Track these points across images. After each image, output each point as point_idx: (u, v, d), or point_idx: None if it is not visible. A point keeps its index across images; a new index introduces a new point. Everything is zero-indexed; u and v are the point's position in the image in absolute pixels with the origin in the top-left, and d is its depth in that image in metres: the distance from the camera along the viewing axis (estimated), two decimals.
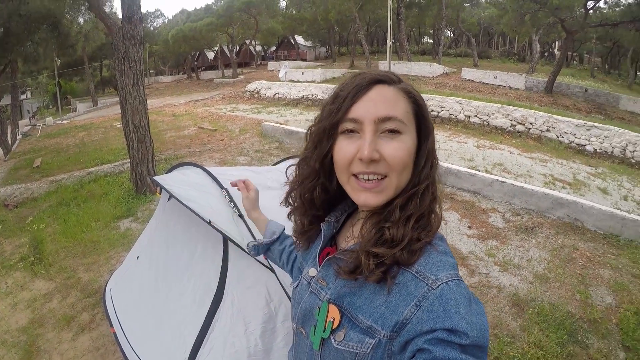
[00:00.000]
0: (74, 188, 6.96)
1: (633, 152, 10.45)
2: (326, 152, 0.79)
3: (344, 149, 0.74)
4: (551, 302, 3.76)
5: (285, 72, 21.39)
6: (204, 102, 20.45)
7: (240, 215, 2.09)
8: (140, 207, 5.80)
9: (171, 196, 2.38)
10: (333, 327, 0.74)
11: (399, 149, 0.71)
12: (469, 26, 36.93)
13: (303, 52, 43.72)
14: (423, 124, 0.76)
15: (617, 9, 19.37)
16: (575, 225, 5.45)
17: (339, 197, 0.89)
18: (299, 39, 44.01)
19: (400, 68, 24.02)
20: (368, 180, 0.72)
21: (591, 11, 18.72)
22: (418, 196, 0.74)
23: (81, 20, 23.88)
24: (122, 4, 5.76)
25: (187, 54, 38.87)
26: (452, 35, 43.67)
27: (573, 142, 11.26)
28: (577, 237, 5.18)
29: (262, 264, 2.02)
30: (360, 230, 0.76)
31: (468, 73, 23.12)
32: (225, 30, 32.24)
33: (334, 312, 0.76)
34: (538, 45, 27.37)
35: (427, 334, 0.61)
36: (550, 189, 6.47)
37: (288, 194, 0.94)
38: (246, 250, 1.21)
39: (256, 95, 20.08)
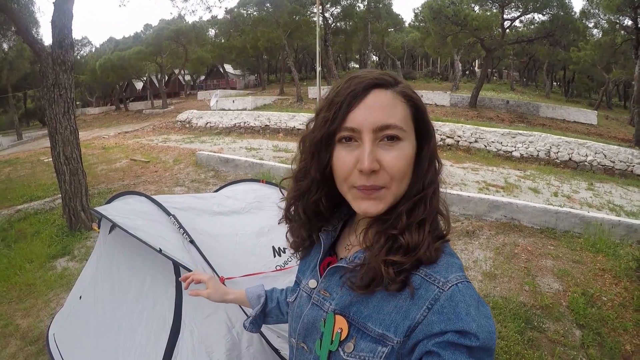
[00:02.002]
0: (2, 227, 6.50)
1: (557, 153, 11.53)
2: (326, 163, 0.77)
3: (342, 159, 0.72)
4: (503, 296, 3.93)
5: (217, 101, 21.35)
6: (134, 134, 19.83)
7: (192, 241, 2.04)
8: (76, 245, 5.57)
9: (115, 226, 2.30)
10: (341, 339, 0.73)
11: (398, 158, 0.70)
12: (394, 50, 39.24)
13: (232, 81, 43.74)
14: (423, 127, 0.75)
15: (532, 27, 21.58)
16: (513, 224, 5.83)
17: (340, 203, 0.87)
18: (228, 67, 44.12)
19: (321, 91, 24.88)
20: (368, 189, 0.71)
21: (508, 30, 20.70)
22: (426, 201, 0.73)
23: (5, 46, 22.23)
24: (52, 28, 5.60)
25: (115, 84, 37.53)
26: (377, 59, 46.05)
27: (500, 149, 12.20)
28: (516, 235, 5.53)
29: None
30: (364, 238, 0.75)
31: None
32: (154, 60, 31.46)
33: (341, 323, 0.74)
34: (459, 65, 29.70)
35: (437, 337, 0.61)
36: (485, 194, 6.89)
37: (287, 210, 0.91)
38: (246, 327, 1.13)
39: (187, 125, 19.77)
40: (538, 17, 19.55)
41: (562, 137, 12.10)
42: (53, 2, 5.64)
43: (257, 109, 21.78)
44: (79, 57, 37.51)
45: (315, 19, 27.16)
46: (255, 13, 23.59)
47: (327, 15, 27.11)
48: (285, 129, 16.18)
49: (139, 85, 47.47)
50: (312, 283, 0.86)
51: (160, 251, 1.86)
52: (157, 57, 30.99)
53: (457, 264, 0.71)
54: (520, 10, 18.62)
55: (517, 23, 20.83)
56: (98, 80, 35.61)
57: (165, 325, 1.93)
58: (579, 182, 9.33)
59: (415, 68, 51.43)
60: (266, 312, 1.17)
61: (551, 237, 5.48)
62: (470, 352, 0.59)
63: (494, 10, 18.94)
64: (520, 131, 12.61)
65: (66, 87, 5.72)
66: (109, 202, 2.73)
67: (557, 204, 6.69)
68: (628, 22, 17.59)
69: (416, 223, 0.71)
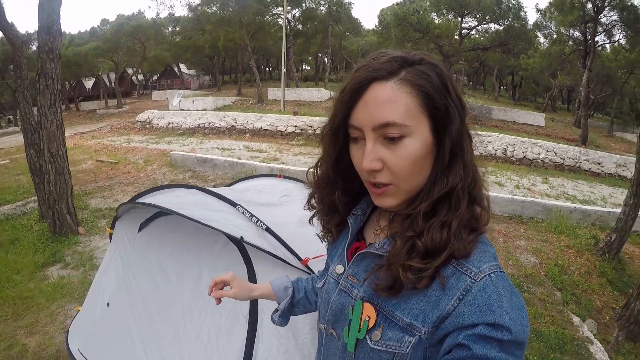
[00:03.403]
0: None
1: (512, 152, 12.67)
2: (336, 158, 0.78)
3: (354, 156, 0.73)
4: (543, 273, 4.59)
5: (180, 101, 21.06)
6: (92, 135, 19.06)
7: (267, 229, 1.99)
8: (66, 251, 5.19)
9: (147, 224, 2.38)
10: (369, 327, 0.72)
11: (401, 157, 0.67)
12: (350, 53, 40.31)
13: (187, 81, 42.83)
14: (439, 116, 0.68)
15: (486, 35, 23.35)
16: None
17: (363, 192, 0.85)
18: (182, 67, 43.34)
19: (290, 94, 25.28)
20: (375, 186, 0.71)
21: (465, 38, 22.26)
22: (452, 200, 0.68)
23: None
24: (39, 12, 5.24)
25: (66, 82, 35.59)
26: (331, 62, 47.13)
27: None
28: (490, 222, 6.27)
29: (295, 266, 1.91)
30: (390, 224, 0.75)
31: None
32: (110, 57, 30.20)
33: (369, 311, 0.73)
34: None
35: (468, 329, 0.60)
36: None
37: (310, 197, 0.92)
38: (275, 321, 1.12)
39: (148, 126, 19.34)
40: (494, 26, 21.31)
41: (518, 137, 13.33)
42: None
43: (217, 109, 21.58)
44: (30, 52, 35.43)
45: (278, 20, 27.71)
46: (219, 12, 23.55)
47: (288, 17, 27.63)
48: (252, 129, 16.28)
49: (88, 84, 45.33)
50: (339, 269, 0.85)
51: (242, 239, 1.84)
52: (114, 54, 29.77)
53: (491, 252, 0.69)
54: (478, 20, 20.18)
55: (473, 31, 22.52)
56: None
57: (239, 317, 1.87)
58: (535, 177, 10.40)
59: None
60: (294, 302, 1.13)
61: (519, 222, 6.29)
62: (502, 346, 0.58)
63: (454, 19, 20.39)
64: (478, 132, 13.57)
65: (53, 77, 5.34)
66: (140, 196, 2.52)
67: (520, 195, 7.60)
68: (577, 34, 19.82)
69: (439, 223, 0.67)
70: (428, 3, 19.25)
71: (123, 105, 29.31)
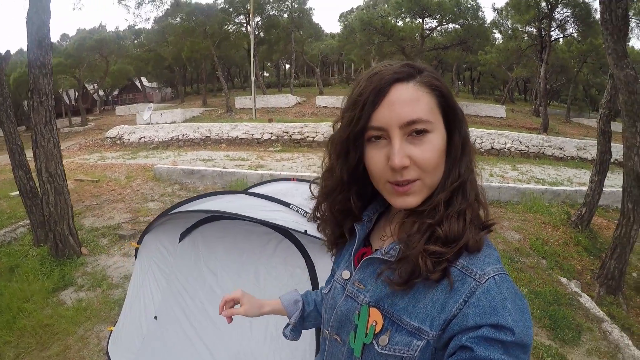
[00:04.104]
0: None
1: (481, 143, 13.61)
2: (356, 163, 0.78)
3: (374, 158, 0.73)
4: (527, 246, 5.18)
5: (150, 115, 20.93)
6: (63, 154, 18.52)
7: None
8: (75, 273, 5.00)
9: (187, 233, 2.52)
10: (376, 332, 0.74)
11: (428, 151, 0.70)
12: (311, 58, 40.96)
13: (149, 94, 42.20)
14: (451, 115, 0.75)
15: (446, 34, 24.58)
16: None
17: (372, 198, 0.89)
18: (143, 80, 42.68)
19: (258, 102, 25.47)
20: (401, 184, 0.72)
21: (426, 39, 23.36)
22: (465, 189, 0.73)
23: None
24: (28, 26, 5.05)
25: (25, 102, 33.96)
26: (288, 67, 47.60)
27: None
28: None
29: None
30: (399, 229, 0.76)
31: (322, 100, 25.98)
32: (72, 73, 29.00)
33: (375, 316, 0.75)
34: None
35: (471, 331, 0.61)
36: None
37: (315, 208, 0.94)
38: (286, 336, 1.13)
39: (119, 142, 19.01)
40: (452, 26, 22.47)
41: (484, 130, 14.27)
42: None
43: (186, 121, 21.52)
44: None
45: (242, 29, 27.98)
46: (184, 22, 23.56)
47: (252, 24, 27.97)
48: (228, 139, 16.39)
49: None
50: (346, 274, 0.87)
51: (305, 232, 1.98)
52: (76, 70, 28.66)
53: (495, 255, 0.70)
54: (438, 21, 21.27)
55: (434, 32, 23.66)
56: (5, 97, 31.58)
57: None
58: (504, 165, 11.25)
59: (329, 74, 53.65)
60: (304, 316, 1.15)
61: (498, 206, 6.94)
62: (505, 348, 0.59)
63: (417, 21, 21.40)
64: None
65: (47, 93, 5.13)
66: (178, 205, 2.66)
67: (496, 182, 8.32)
68: (532, 30, 21.60)
69: (455, 212, 0.71)
70: (387, 7, 20.14)
71: (87, 122, 28.65)
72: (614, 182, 7.63)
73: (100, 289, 4.51)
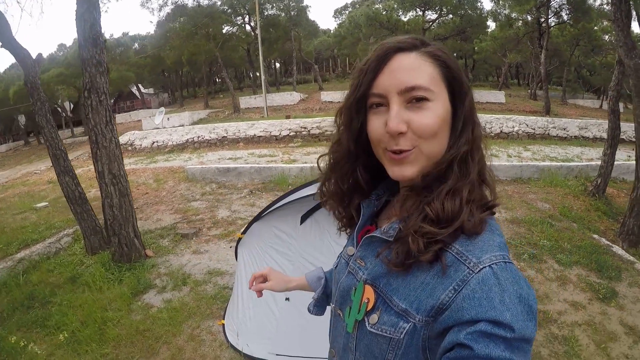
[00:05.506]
0: (14, 283, 5.06)
1: (490, 128, 14.56)
2: (359, 130, 0.79)
3: (373, 124, 0.74)
4: (525, 216, 6.04)
5: (162, 119, 21.44)
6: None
7: None
8: (149, 276, 4.88)
9: (307, 216, 2.90)
10: (367, 309, 0.74)
11: (425, 117, 0.69)
12: (306, 54, 41.65)
13: (147, 100, 42.47)
14: (456, 87, 0.73)
15: (444, 25, 25.70)
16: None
17: (382, 172, 0.81)
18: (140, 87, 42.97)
19: (263, 100, 26.31)
20: (397, 152, 0.71)
21: (427, 31, 24.42)
22: (464, 165, 0.71)
23: None
24: (80, 24, 4.94)
25: (21, 115, 33.53)
26: (295, 65, 48.32)
27: None
28: (500, 186, 7.80)
29: None
30: (401, 207, 0.76)
31: (327, 96, 26.73)
32: (73, 83, 28.64)
33: (369, 293, 0.75)
34: None
35: (468, 326, 0.58)
36: None
37: (322, 184, 0.93)
38: (310, 311, 1.19)
39: (130, 148, 18.93)
40: (451, 17, 23.48)
41: (493, 115, 15.24)
42: None
43: (194, 123, 21.69)
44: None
45: (243, 29, 28.63)
46: (189, 25, 24.04)
47: (252, 24, 28.67)
48: (245, 137, 16.79)
49: (21, 120, 43.62)
50: (350, 250, 0.88)
51: None
52: (77, 80, 27.45)
53: (497, 242, 0.67)
54: (438, 13, 22.24)
55: (434, 24, 24.73)
56: (5, 111, 30.93)
57: None
58: (516, 147, 12.19)
59: (323, 70, 54.31)
60: (327, 292, 1.17)
61: (522, 183, 7.85)
62: (507, 344, 0.56)
63: (419, 15, 22.37)
64: None
65: (105, 92, 5.02)
66: (291, 193, 2.87)
67: (516, 162, 9.25)
68: (528, 18, 22.82)
69: (447, 191, 0.68)
70: (393, 1, 21.07)
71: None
72: (618, 157, 8.54)
73: (187, 288, 4.48)
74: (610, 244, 5.07)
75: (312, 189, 2.75)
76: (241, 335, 3.23)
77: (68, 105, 36.22)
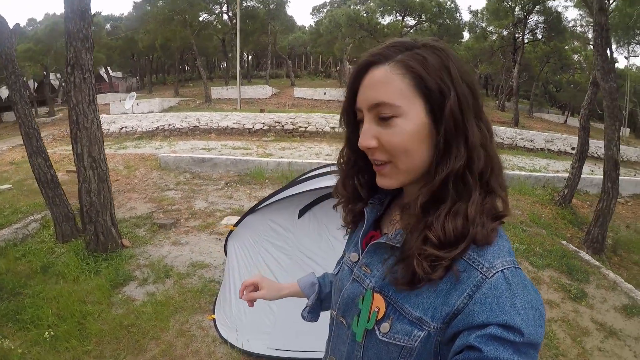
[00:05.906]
0: None
1: None
2: (352, 138, 0.81)
3: (358, 137, 0.75)
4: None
5: (132, 104, 20.81)
6: None
7: None
8: (127, 267, 4.62)
9: (306, 210, 2.93)
10: (378, 318, 0.73)
11: (393, 134, 0.68)
12: (281, 49, 41.54)
13: (115, 84, 41.11)
14: (434, 98, 0.67)
15: (421, 32, 26.34)
16: None
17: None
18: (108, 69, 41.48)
19: (236, 92, 26.00)
20: (376, 165, 0.74)
21: (405, 36, 25.06)
22: (455, 183, 0.66)
23: None
24: None
25: None
26: (269, 58, 48.12)
27: None
28: None
29: None
30: (401, 219, 0.75)
31: (300, 92, 26.76)
32: (40, 60, 27.33)
33: (378, 302, 0.74)
34: (348, 63, 33.24)
35: (478, 329, 0.59)
36: None
37: (337, 185, 0.93)
38: (305, 317, 1.17)
39: None
40: (429, 24, 24.04)
41: None
42: None
43: (163, 111, 20.99)
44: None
45: (219, 19, 28.22)
46: (166, 10, 23.42)
47: (229, 14, 28.41)
48: (218, 129, 16.52)
49: (3, 92, 41.36)
50: (354, 257, 0.87)
51: None
52: (45, 57, 26.96)
53: (506, 247, 0.67)
54: (416, 19, 22.75)
55: (412, 30, 25.24)
56: None
57: None
58: None
59: (296, 66, 54.25)
60: (322, 298, 1.16)
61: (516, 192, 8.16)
62: (516, 349, 0.57)
63: (399, 19, 22.78)
64: None
65: (89, 69, 4.66)
66: (291, 185, 2.94)
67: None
68: (504, 32, 23.88)
69: (445, 213, 0.66)
70: (373, 4, 21.41)
71: (55, 113, 27.73)
72: (582, 171, 9.08)
73: (170, 280, 4.29)
74: (576, 249, 5.40)
75: (312, 185, 2.76)
76: (238, 330, 3.20)
77: (32, 84, 34.47)
